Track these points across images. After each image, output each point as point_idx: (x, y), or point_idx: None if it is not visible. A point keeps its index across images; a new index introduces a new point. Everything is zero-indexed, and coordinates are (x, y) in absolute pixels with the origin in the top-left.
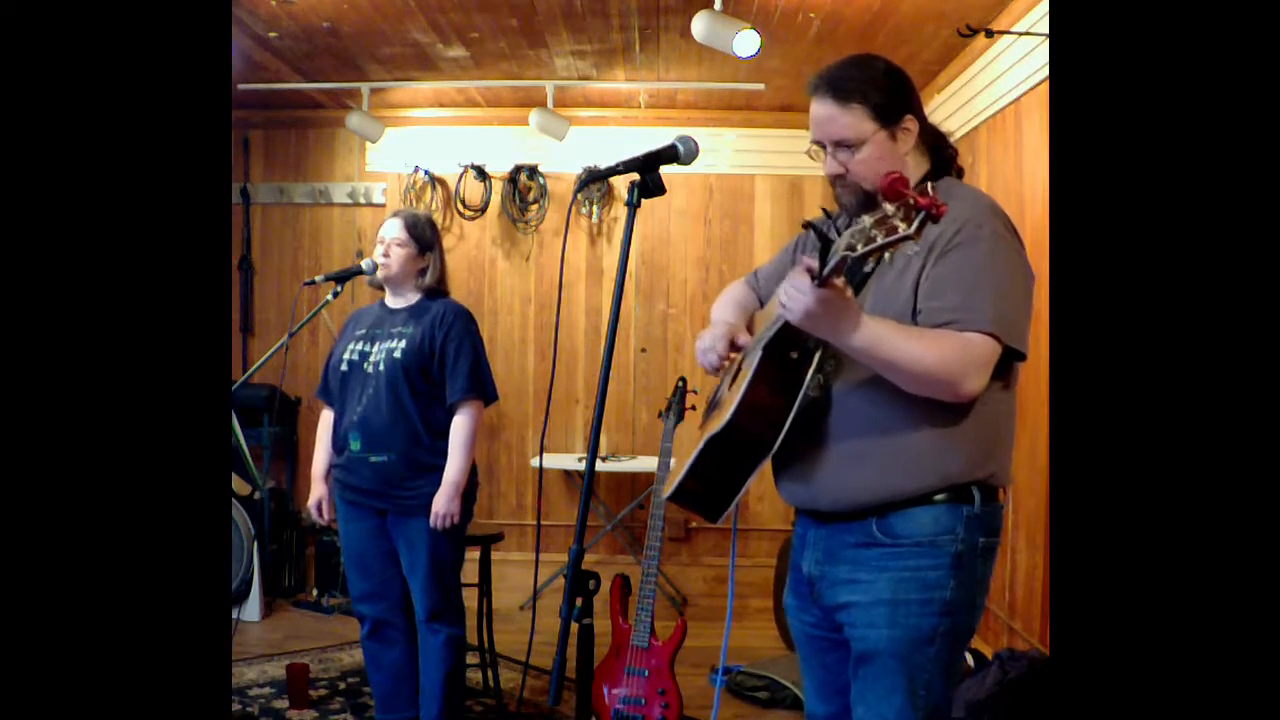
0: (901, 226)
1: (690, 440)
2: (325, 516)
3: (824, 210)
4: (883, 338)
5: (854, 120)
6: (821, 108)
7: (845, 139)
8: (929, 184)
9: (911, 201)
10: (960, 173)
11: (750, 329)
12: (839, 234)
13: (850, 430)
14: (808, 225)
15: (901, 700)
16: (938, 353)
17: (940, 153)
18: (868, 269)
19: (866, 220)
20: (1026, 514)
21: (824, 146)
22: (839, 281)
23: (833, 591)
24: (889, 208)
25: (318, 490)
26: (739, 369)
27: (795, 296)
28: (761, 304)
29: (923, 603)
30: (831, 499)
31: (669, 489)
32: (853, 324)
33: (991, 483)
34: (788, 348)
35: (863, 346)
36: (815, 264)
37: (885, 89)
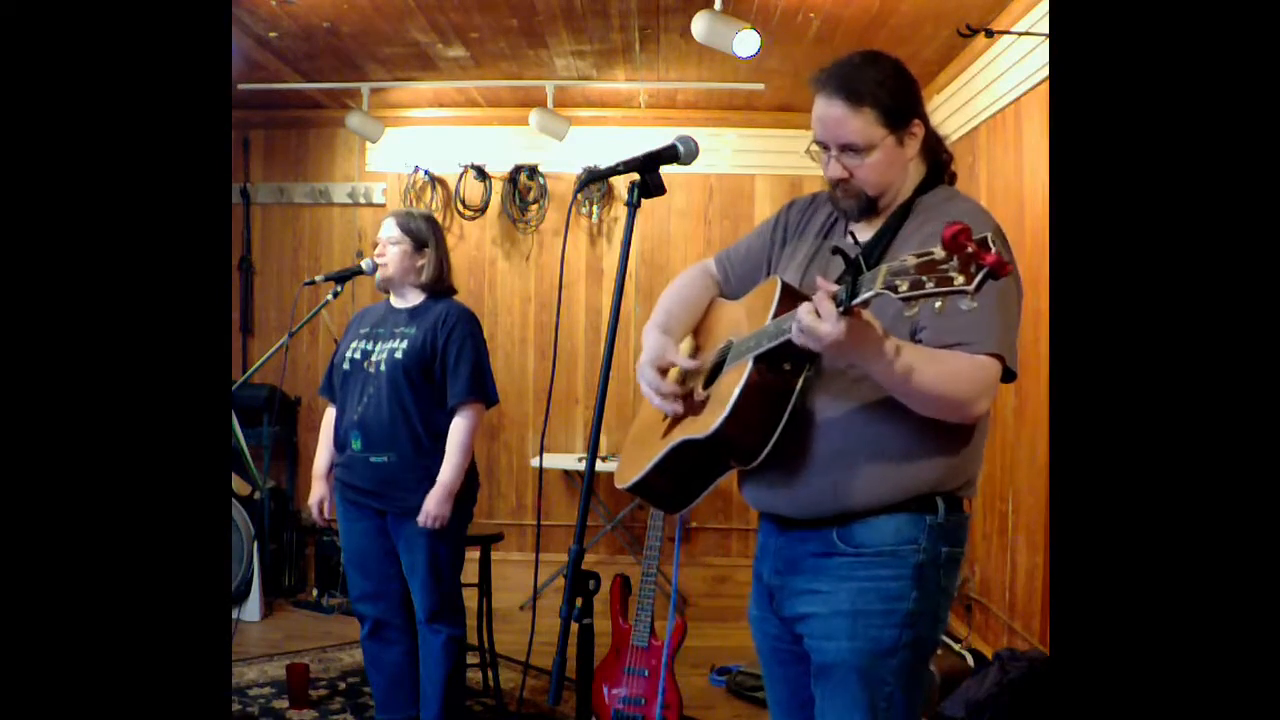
0: (959, 280)
1: (650, 430)
2: (325, 515)
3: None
4: (909, 363)
5: (865, 125)
6: (831, 108)
7: (855, 144)
8: (989, 236)
9: (971, 252)
10: (953, 179)
11: (701, 329)
12: (844, 255)
13: (822, 438)
14: (836, 251)
15: (862, 715)
16: (955, 379)
17: (936, 157)
18: (910, 313)
19: (910, 261)
20: (1026, 514)
21: (827, 148)
22: (866, 312)
23: (792, 602)
24: (939, 253)
25: (318, 489)
26: (713, 372)
27: (820, 325)
28: (726, 293)
29: (884, 614)
30: (795, 505)
31: (628, 479)
32: (879, 351)
33: (957, 494)
34: (782, 360)
35: (886, 373)
36: (836, 288)
37: (895, 91)
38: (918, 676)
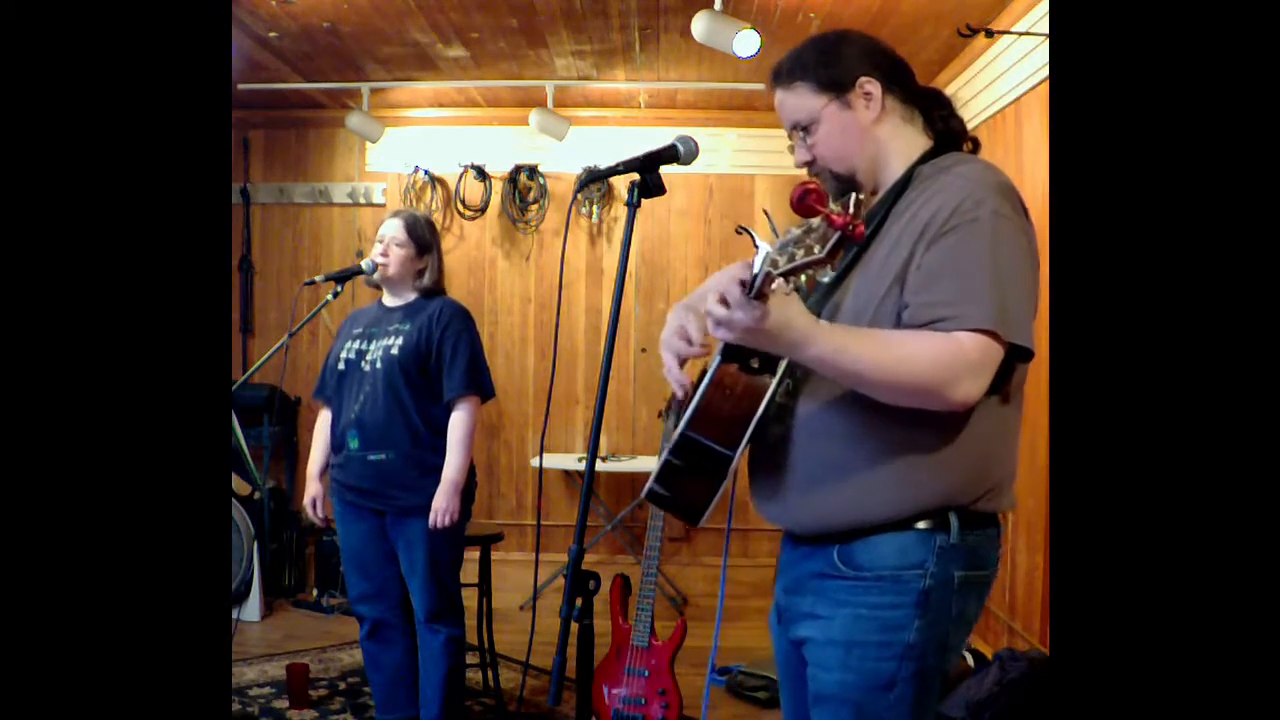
0: (816, 249)
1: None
2: (319, 514)
3: (765, 212)
4: (843, 349)
5: (800, 99)
6: (774, 97)
7: (798, 121)
8: (854, 196)
9: (825, 220)
10: (976, 146)
11: None
12: (749, 235)
13: (818, 445)
14: (741, 230)
15: None
16: (911, 362)
17: (945, 124)
18: (787, 291)
19: (795, 232)
20: (1026, 514)
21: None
22: (776, 287)
23: (795, 625)
24: (814, 222)
25: (312, 489)
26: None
27: (731, 314)
28: None
29: (881, 645)
30: (797, 519)
31: (645, 488)
32: (801, 336)
33: (977, 509)
34: (748, 356)
35: (818, 358)
36: (749, 274)
37: (828, 56)
38: (922, 709)
